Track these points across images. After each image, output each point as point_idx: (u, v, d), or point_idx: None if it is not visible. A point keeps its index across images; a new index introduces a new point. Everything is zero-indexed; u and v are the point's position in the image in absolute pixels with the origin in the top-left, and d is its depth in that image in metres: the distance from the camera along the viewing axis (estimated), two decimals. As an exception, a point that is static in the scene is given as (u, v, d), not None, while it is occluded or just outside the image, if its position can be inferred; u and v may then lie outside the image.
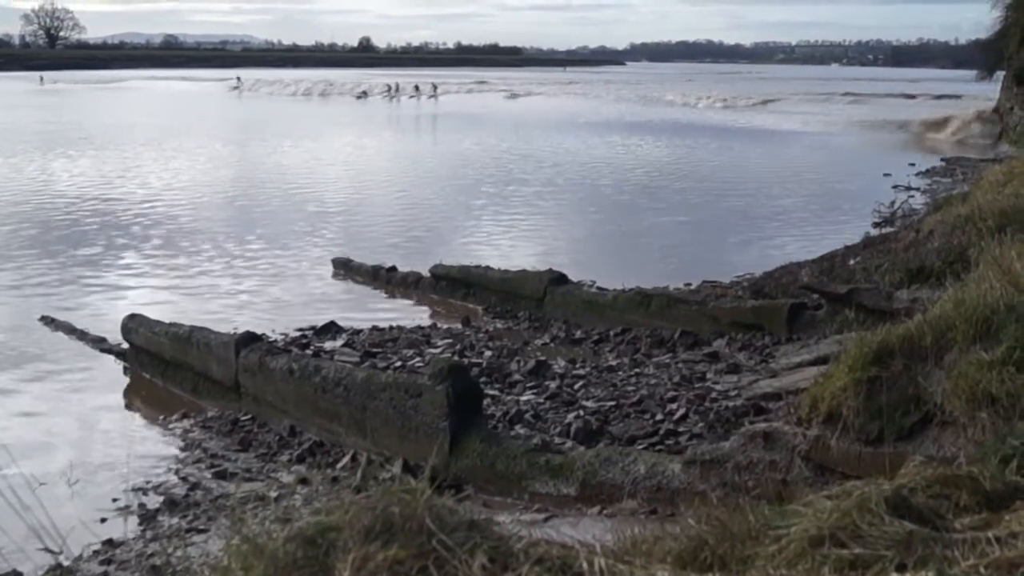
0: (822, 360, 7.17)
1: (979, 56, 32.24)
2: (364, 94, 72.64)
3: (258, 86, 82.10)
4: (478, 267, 12.15)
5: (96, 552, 5.51)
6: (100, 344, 9.90)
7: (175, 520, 5.97)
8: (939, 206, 13.53)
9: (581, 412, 7.32)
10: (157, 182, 23.05)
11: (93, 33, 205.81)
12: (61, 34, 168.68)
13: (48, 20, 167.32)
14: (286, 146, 32.73)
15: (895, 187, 21.81)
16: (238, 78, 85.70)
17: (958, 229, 9.52)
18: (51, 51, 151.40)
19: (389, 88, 74.68)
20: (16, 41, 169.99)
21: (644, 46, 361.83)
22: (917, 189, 21.77)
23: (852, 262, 10.91)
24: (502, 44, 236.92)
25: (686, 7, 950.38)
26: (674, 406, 7.35)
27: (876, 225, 16.52)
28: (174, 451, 7.29)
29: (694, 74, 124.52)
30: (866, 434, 4.91)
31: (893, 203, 18.81)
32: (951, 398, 4.61)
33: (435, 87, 75.72)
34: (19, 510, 3.47)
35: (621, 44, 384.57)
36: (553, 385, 8.10)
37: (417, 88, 75.40)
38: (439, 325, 10.75)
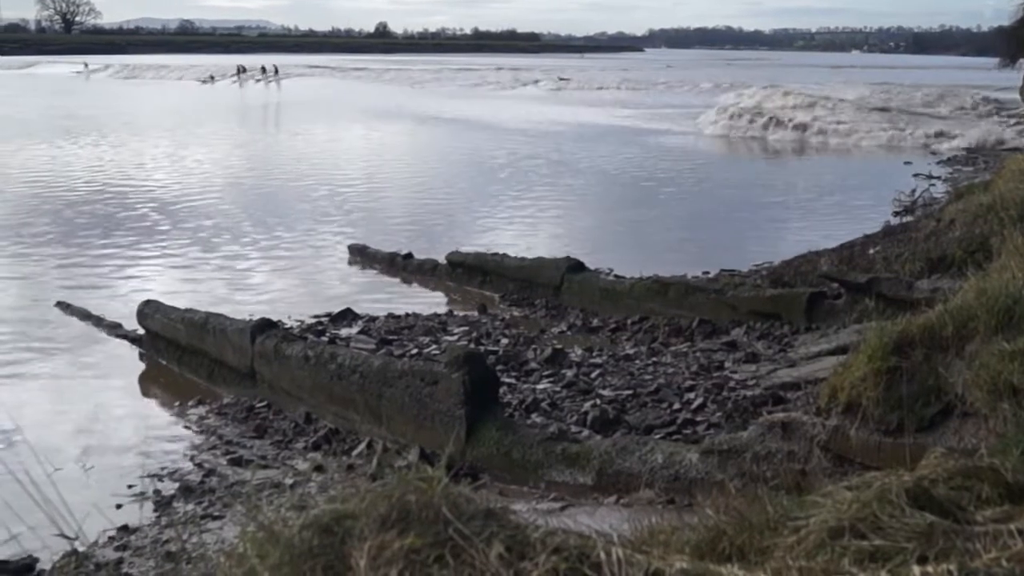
0: (841, 350, 7.14)
1: (1001, 43, 31.87)
2: (211, 78, 72.60)
3: (111, 71, 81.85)
4: (495, 254, 12.14)
5: (111, 538, 5.52)
6: (116, 330, 9.92)
7: (190, 507, 5.98)
8: (960, 195, 13.41)
9: (598, 401, 7.29)
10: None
11: (109, 18, 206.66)
12: (77, 19, 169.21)
13: (64, 5, 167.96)
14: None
15: (916, 175, 21.72)
16: (85, 64, 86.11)
17: (980, 218, 9.46)
18: (67, 36, 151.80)
19: (238, 71, 74.96)
20: (32, 26, 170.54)
21: (663, 32, 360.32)
22: (938, 178, 21.66)
23: (872, 251, 10.84)
24: (519, 30, 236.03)
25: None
26: (692, 395, 7.32)
27: (896, 214, 16.43)
28: (189, 437, 7.30)
29: (689, 61, 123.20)
30: (886, 425, 4.88)
31: (914, 192, 18.73)
32: (972, 389, 4.57)
33: (276, 70, 75.99)
34: (35, 496, 3.46)
35: (640, 30, 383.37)
36: (570, 374, 8.08)
37: (264, 70, 75.90)
38: (455, 313, 10.75)
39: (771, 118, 34.65)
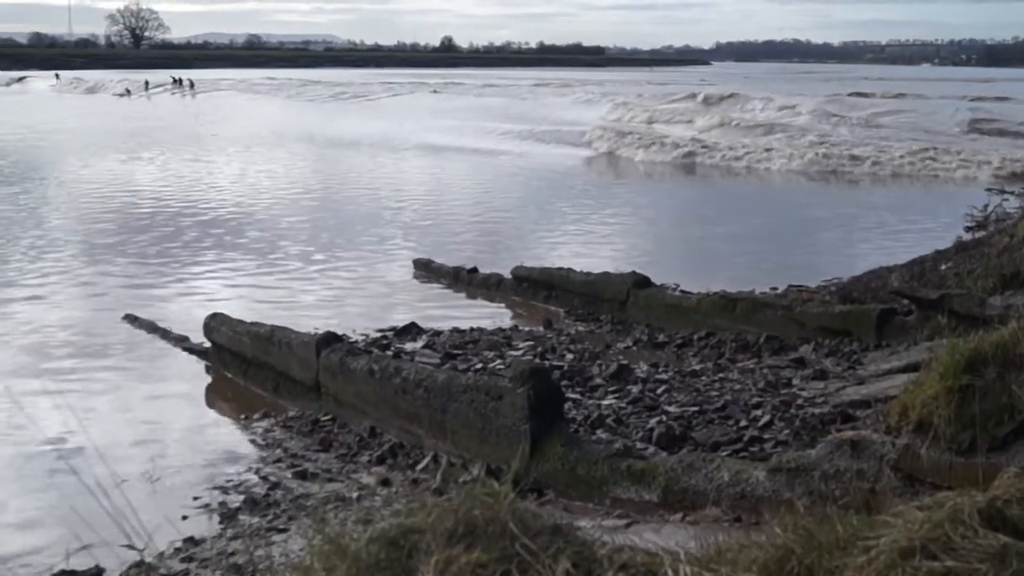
0: (912, 367, 7.04)
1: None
2: (127, 92, 74.05)
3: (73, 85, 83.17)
4: (560, 269, 12.11)
5: (177, 550, 5.56)
6: (182, 343, 10.02)
7: (255, 519, 6.01)
8: (1034, 211, 13.22)
9: (664, 417, 7.24)
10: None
11: (177, 33, 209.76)
12: (146, 34, 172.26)
13: (133, 20, 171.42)
14: None
15: (988, 190, 21.42)
16: (56, 75, 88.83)
17: (1054, 234, 9.31)
18: (136, 51, 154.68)
19: (146, 84, 77.03)
20: (102, 41, 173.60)
21: (730, 45, 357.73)
22: (1011, 192, 21.32)
23: (944, 267, 10.71)
24: (585, 44, 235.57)
25: (771, 5, 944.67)
26: (759, 412, 7.23)
27: (968, 229, 16.19)
28: (255, 450, 7.34)
29: (734, 75, 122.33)
30: (958, 444, 4.79)
31: (986, 207, 18.44)
32: (1047, 408, 4.49)
33: (192, 83, 77.31)
34: (106, 507, 3.50)
35: (707, 43, 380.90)
36: (635, 389, 8.03)
37: (179, 82, 77.77)
38: (520, 327, 10.73)
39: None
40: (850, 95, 56.57)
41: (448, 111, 52.32)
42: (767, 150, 30.44)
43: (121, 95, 72.56)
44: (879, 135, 34.89)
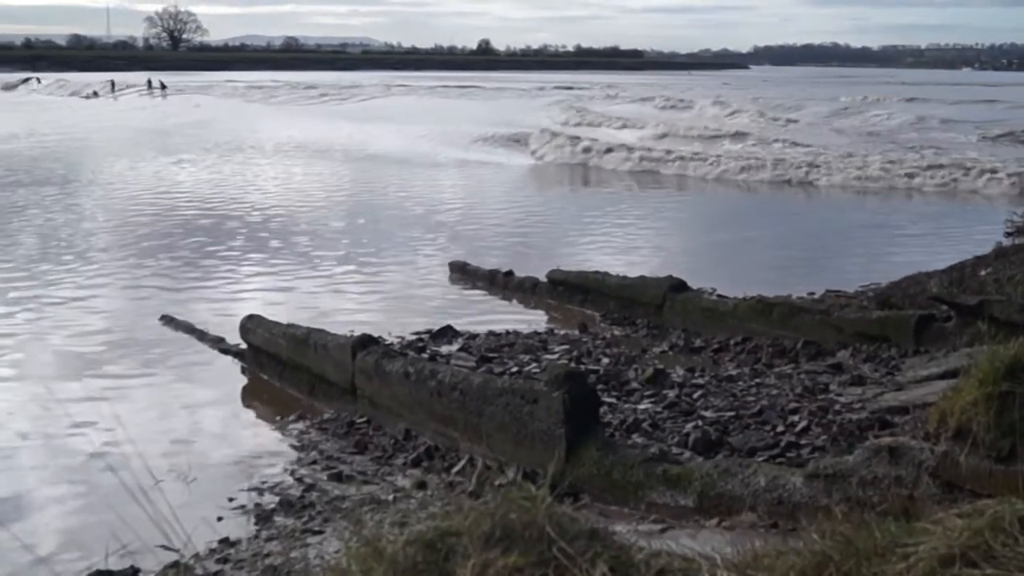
0: (951, 374, 6.97)
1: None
2: (95, 94, 74.44)
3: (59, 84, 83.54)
4: (596, 273, 12.09)
5: (213, 550, 5.58)
6: (219, 344, 10.06)
7: (291, 521, 6.02)
8: (1074, 216, 13.08)
9: (700, 422, 7.21)
10: None
11: (215, 36, 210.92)
12: (184, 36, 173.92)
13: (171, 23, 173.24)
14: None
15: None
16: (37, 79, 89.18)
17: (1095, 240, 9.22)
18: (174, 53, 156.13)
19: (112, 86, 77.45)
20: (140, 43, 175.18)
21: (768, 49, 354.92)
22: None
23: (983, 273, 10.61)
24: (622, 47, 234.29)
25: (809, 9, 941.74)
26: (796, 418, 7.19)
27: (1008, 235, 16.02)
28: (290, 452, 7.36)
29: (752, 79, 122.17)
30: (997, 451, 4.74)
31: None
32: (1088, 415, 4.44)
33: (163, 85, 77.54)
34: (144, 506, 3.52)
35: (744, 47, 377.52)
36: (671, 394, 8.00)
37: (150, 84, 78.14)
38: (556, 331, 10.72)
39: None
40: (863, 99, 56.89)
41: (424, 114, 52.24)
42: (720, 156, 30.06)
43: (88, 97, 72.97)
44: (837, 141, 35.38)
